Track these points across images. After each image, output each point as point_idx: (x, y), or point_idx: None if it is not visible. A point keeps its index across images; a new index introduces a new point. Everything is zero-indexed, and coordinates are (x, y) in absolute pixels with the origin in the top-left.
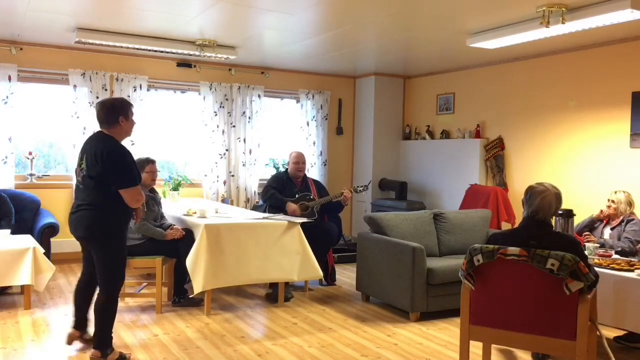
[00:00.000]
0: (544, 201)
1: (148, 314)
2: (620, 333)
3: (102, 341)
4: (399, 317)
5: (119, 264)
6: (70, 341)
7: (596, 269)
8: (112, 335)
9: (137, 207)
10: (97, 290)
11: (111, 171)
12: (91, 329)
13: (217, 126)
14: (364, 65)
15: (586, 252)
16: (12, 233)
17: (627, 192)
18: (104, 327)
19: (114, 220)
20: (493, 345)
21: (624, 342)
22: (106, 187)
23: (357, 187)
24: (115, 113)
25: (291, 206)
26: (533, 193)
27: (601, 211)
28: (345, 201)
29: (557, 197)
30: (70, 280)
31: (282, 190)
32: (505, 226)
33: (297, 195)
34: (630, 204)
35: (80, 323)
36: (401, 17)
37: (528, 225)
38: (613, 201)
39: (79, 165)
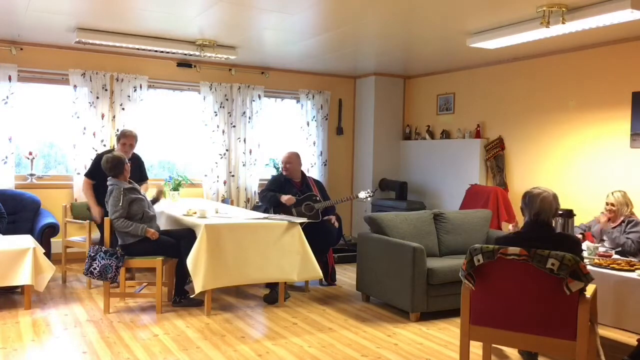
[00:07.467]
0: (544, 202)
1: (148, 314)
2: None
3: None
4: (399, 317)
5: None
6: None
7: (596, 269)
8: None
9: None
10: None
11: None
12: None
13: (217, 126)
14: (364, 65)
15: (586, 253)
16: (12, 233)
17: (623, 191)
18: None
19: None
20: (493, 345)
21: None
22: None
23: (365, 197)
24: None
25: (284, 197)
26: (531, 197)
27: (602, 213)
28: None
29: (555, 197)
30: (71, 280)
31: (282, 192)
32: (505, 226)
33: (299, 196)
34: (628, 203)
35: None
36: (401, 17)
37: (531, 229)
38: (612, 204)
39: None
